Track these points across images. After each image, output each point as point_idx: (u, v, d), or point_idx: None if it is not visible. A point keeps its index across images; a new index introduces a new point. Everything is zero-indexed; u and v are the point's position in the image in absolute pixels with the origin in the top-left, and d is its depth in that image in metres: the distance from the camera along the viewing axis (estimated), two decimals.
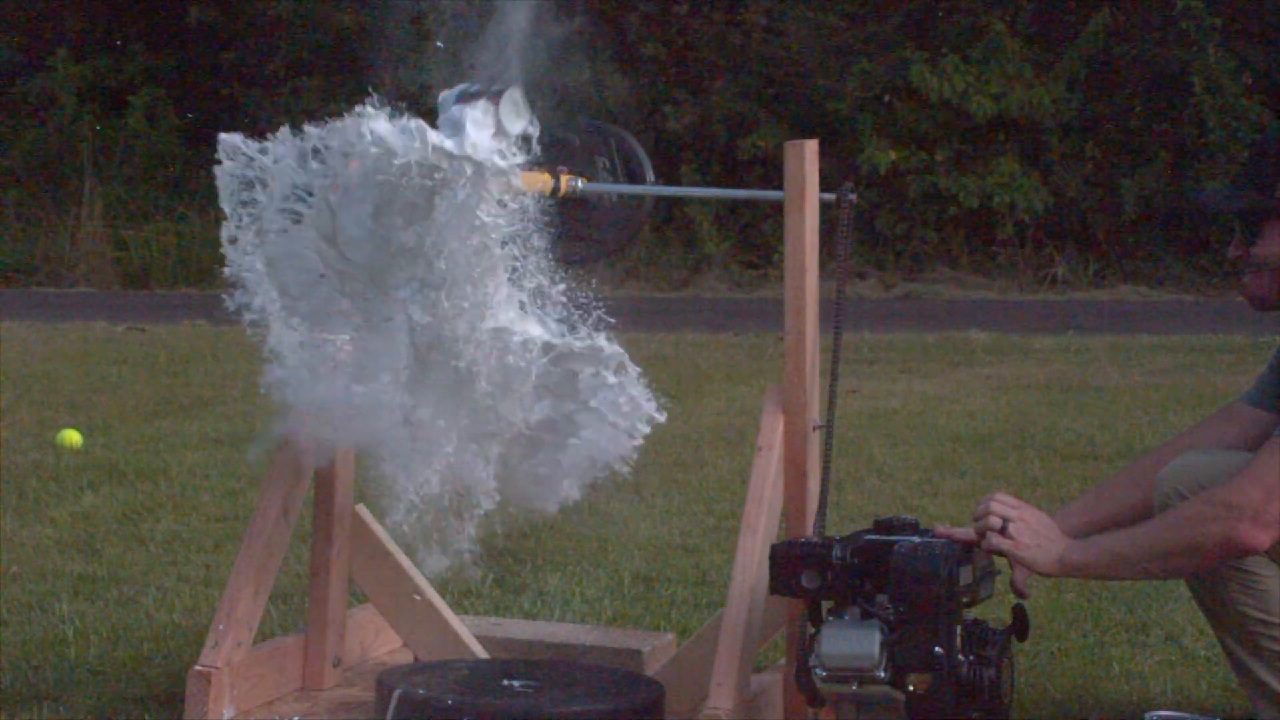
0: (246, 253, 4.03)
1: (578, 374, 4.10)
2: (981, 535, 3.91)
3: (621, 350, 4.09)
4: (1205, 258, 17.14)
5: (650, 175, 4.48)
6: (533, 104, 4.14)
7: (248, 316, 4.04)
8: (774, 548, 3.94)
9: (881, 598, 3.83)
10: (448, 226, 3.94)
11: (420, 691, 4.20)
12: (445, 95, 4.10)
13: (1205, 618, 4.18)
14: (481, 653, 4.65)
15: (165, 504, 7.19)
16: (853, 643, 3.80)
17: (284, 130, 3.97)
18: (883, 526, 3.97)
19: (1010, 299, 16.96)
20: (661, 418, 4.12)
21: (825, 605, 3.91)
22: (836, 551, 3.85)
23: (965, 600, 3.85)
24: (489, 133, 4.05)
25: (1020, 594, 4.01)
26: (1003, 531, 3.90)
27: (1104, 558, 3.90)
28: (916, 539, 3.86)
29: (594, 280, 4.12)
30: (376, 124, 3.88)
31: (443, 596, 4.77)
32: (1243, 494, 3.75)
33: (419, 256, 3.96)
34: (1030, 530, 3.90)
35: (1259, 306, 4.04)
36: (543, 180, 4.24)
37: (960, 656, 3.78)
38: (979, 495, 7.32)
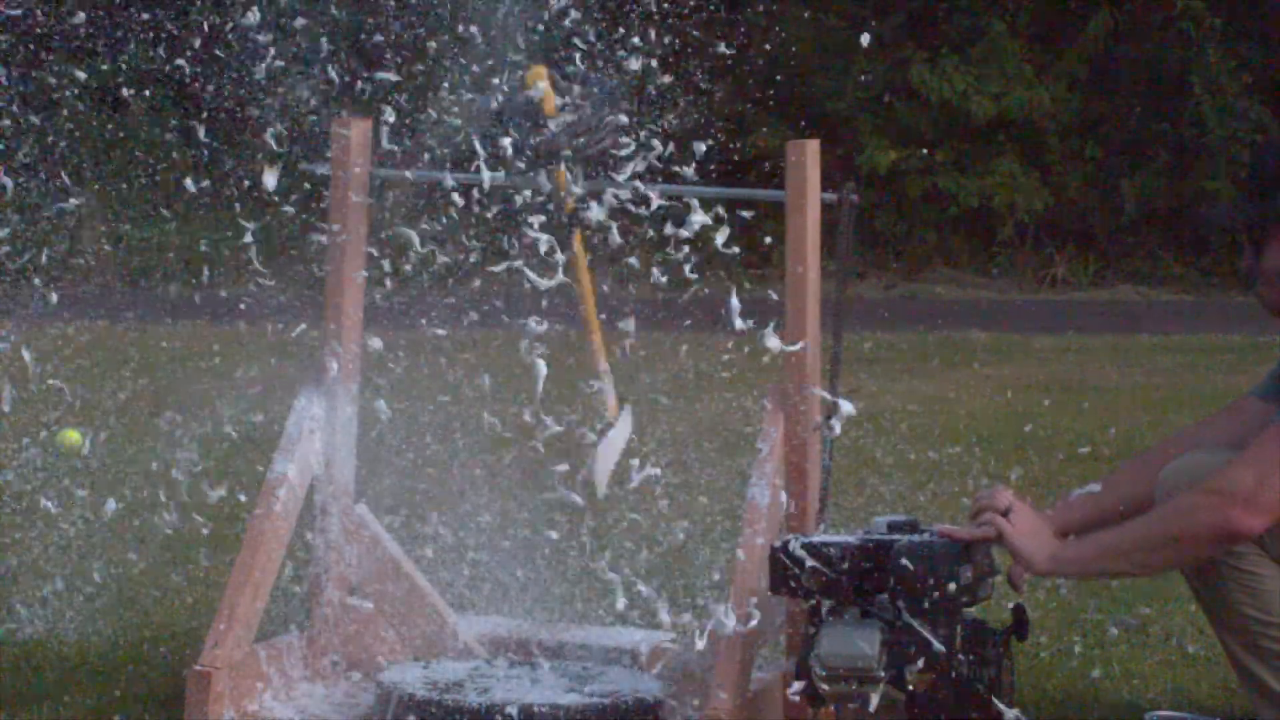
0: None
1: None
2: (976, 515, 3.90)
3: None
4: (1205, 258, 17.14)
5: None
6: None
7: None
8: (774, 548, 3.94)
9: (881, 598, 3.83)
10: None
11: (419, 690, 4.20)
12: None
13: (1206, 618, 4.18)
14: (481, 653, 4.65)
15: (165, 504, 7.18)
16: (853, 643, 3.80)
17: None
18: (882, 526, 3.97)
19: (1010, 299, 16.95)
20: None
21: (825, 605, 3.91)
22: (836, 551, 3.85)
23: (965, 600, 3.85)
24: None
25: (1016, 588, 4.01)
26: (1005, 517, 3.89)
27: (1097, 552, 3.89)
28: (916, 538, 3.86)
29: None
30: None
31: (443, 596, 4.78)
32: (1235, 480, 3.75)
33: None
34: (1027, 523, 3.90)
35: (1277, 314, 4.04)
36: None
37: (960, 656, 3.78)
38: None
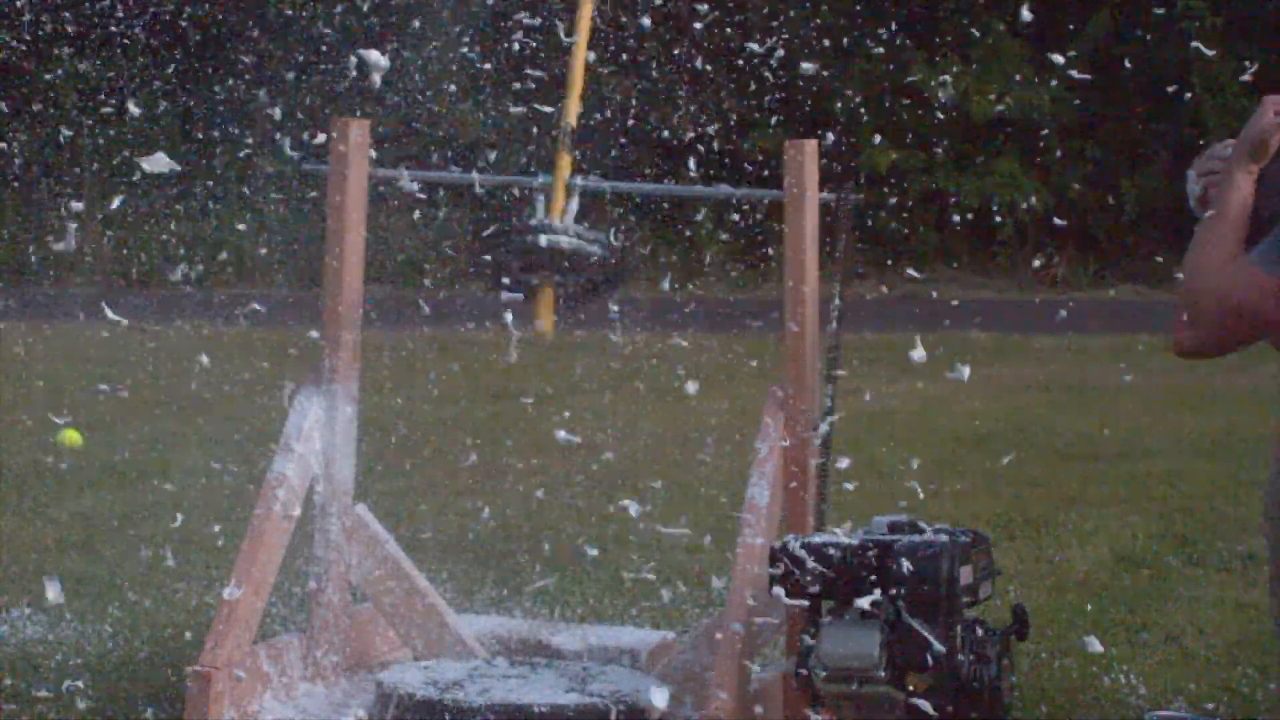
0: None
1: None
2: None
3: None
4: None
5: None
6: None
7: None
8: (774, 548, 3.94)
9: (881, 597, 3.83)
10: None
11: (418, 690, 4.20)
12: None
13: (1270, 569, 3.97)
14: (481, 653, 4.65)
15: (165, 504, 7.18)
16: (853, 643, 3.80)
17: None
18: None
19: (1010, 299, 16.95)
20: None
21: (825, 605, 3.91)
22: (836, 551, 3.85)
23: (966, 600, 3.85)
24: None
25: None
26: None
27: (1226, 197, 3.85)
28: (916, 538, 3.86)
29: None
30: None
31: (442, 596, 4.77)
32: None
33: None
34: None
35: None
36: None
37: (960, 656, 3.78)
38: (979, 495, 7.35)
